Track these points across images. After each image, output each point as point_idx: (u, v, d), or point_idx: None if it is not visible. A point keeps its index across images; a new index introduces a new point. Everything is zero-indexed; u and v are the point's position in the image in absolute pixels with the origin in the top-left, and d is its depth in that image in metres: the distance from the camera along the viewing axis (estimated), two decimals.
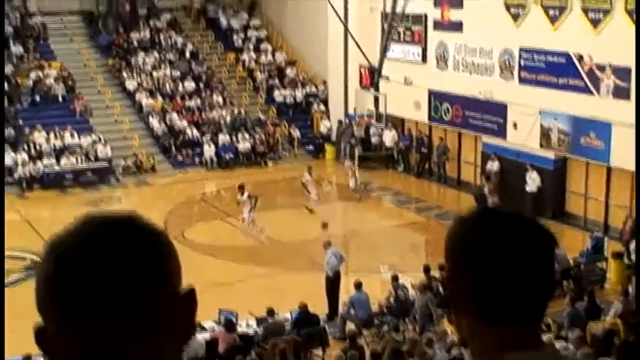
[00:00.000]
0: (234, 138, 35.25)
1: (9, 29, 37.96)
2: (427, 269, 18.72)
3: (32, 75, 36.34)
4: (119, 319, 1.42)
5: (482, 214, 1.83)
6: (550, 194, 26.64)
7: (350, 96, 35.57)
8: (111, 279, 1.42)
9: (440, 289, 17.69)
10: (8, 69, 36.09)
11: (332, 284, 19.09)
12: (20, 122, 34.07)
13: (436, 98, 31.39)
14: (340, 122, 36.05)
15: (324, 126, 36.76)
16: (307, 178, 27.69)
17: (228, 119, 36.19)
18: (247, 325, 17.33)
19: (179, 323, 1.50)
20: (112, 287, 1.42)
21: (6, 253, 23.61)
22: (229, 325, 16.27)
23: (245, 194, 25.22)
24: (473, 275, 1.71)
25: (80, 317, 1.42)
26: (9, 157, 31.71)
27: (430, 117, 31.90)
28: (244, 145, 35.02)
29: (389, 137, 33.78)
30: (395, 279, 18.94)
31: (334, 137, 36.27)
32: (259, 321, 17.27)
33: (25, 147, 32.53)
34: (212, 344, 15.72)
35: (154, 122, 35.54)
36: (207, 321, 17.09)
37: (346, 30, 33.75)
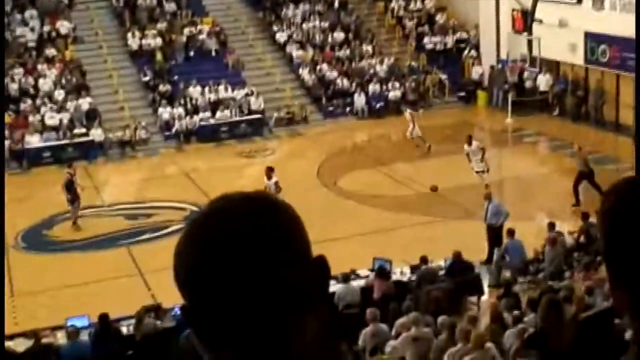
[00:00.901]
0: (384, 87, 35.10)
1: None
2: (552, 225, 18.25)
3: (186, 31, 37.21)
4: (253, 293, 1.47)
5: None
6: None
7: (502, 41, 34.71)
8: (243, 253, 1.48)
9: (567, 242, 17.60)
10: (162, 25, 37.12)
11: (495, 235, 18.76)
12: (176, 77, 35.03)
13: (592, 39, 30.14)
14: (492, 67, 35.24)
15: (475, 72, 36.04)
16: (469, 148, 24.49)
17: (378, 68, 36.02)
18: (401, 272, 17.30)
19: (312, 292, 1.53)
20: (244, 261, 1.47)
21: (167, 204, 24.59)
22: (383, 272, 16.30)
23: (273, 179, 21.52)
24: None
25: (215, 293, 1.48)
26: (166, 112, 32.77)
27: (586, 60, 30.70)
28: (394, 93, 34.83)
29: (543, 81, 32.80)
30: (551, 226, 18.43)
31: (485, 83, 35.53)
32: (413, 269, 17.22)
33: (182, 101, 33.48)
34: (366, 291, 15.83)
35: (305, 73, 35.81)
36: (362, 269, 17.19)
37: None
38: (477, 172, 23.85)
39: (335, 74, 35.77)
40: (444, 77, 35.90)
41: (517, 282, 16.76)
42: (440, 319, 13.02)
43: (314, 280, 1.54)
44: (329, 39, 37.76)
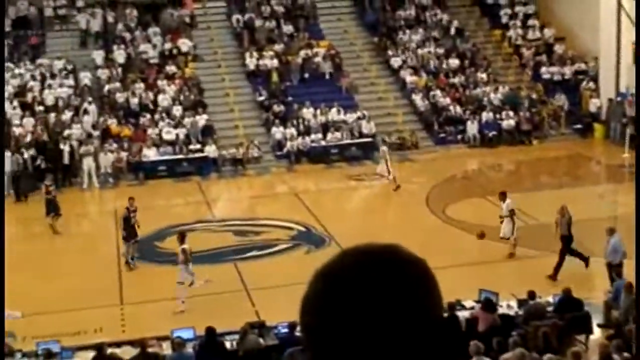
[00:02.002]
0: (498, 115, 34.68)
1: (279, 9, 39.60)
2: None
3: (302, 53, 37.67)
4: (384, 349, 1.49)
5: None
6: None
7: (622, 73, 33.82)
8: (376, 309, 1.50)
9: None
10: (280, 47, 37.67)
11: (613, 273, 18.23)
12: (290, 98, 35.48)
13: None
14: (610, 100, 34.40)
15: (593, 104, 35.23)
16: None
17: (492, 96, 35.64)
18: (507, 306, 16.97)
19: (440, 352, 1.54)
20: (377, 317, 1.50)
21: (276, 223, 24.82)
22: (489, 305, 16.02)
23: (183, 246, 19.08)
24: None
25: (344, 346, 1.51)
26: (279, 132, 33.18)
27: None
28: (508, 122, 34.37)
29: None
30: None
31: (603, 116, 34.68)
32: (520, 303, 16.86)
33: (294, 122, 33.86)
34: (471, 322, 15.59)
35: (417, 99, 35.72)
36: (467, 300, 16.94)
37: (619, 4, 32.04)
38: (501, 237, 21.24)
39: (448, 100, 35.57)
40: (561, 105, 35.21)
41: (628, 323, 16.21)
42: (547, 357, 12.70)
43: (442, 340, 1.55)
44: (444, 65, 37.60)
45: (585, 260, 19.65)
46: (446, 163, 31.92)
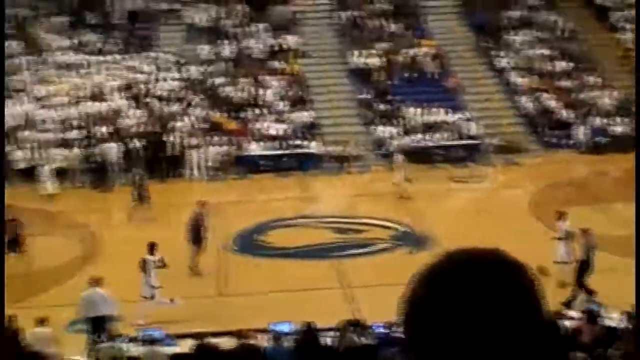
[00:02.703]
0: (610, 121, 33.72)
1: (386, 7, 39.45)
2: None
3: (407, 52, 37.43)
4: (488, 352, 1.49)
5: None
6: None
7: None
8: (481, 312, 1.50)
9: None
10: (385, 45, 37.53)
11: None
12: (394, 97, 35.31)
13: None
14: None
15: None
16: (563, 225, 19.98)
17: (604, 100, 34.69)
18: (615, 319, 16.44)
19: (544, 355, 1.54)
20: (481, 320, 1.50)
21: (376, 222, 24.74)
22: (592, 316, 15.58)
23: (154, 257, 18.12)
24: None
25: (449, 348, 1.50)
26: (381, 131, 33.05)
27: None
28: (621, 129, 33.34)
29: None
30: None
31: None
32: (629, 315, 16.31)
33: (397, 121, 33.68)
34: (575, 333, 15.19)
35: (525, 101, 35.07)
36: (572, 311, 16.52)
37: None
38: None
39: (556, 103, 34.78)
40: None
41: None
42: None
43: (545, 345, 1.54)
44: (553, 68, 36.79)
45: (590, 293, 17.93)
46: (552, 168, 31.21)
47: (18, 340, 15.27)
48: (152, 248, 17.97)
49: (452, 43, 38.80)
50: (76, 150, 31.25)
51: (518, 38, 38.36)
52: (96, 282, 16.29)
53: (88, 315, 16.00)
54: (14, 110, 33.03)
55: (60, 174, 30.28)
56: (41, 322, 15.44)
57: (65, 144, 31.51)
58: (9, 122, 32.64)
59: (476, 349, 1.49)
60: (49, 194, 27.09)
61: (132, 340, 15.28)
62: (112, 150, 31.10)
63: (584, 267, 18.22)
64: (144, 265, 17.65)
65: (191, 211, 21.17)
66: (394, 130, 33.21)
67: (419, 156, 32.28)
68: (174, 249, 20.13)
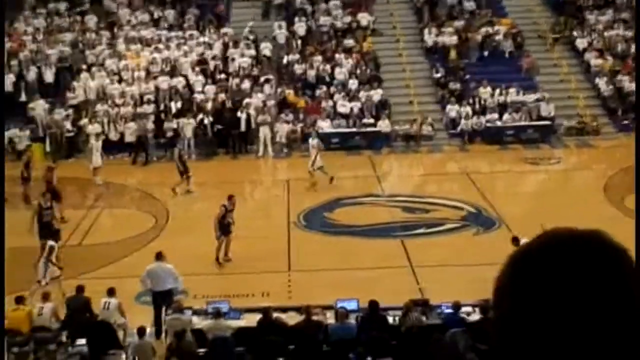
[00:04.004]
0: None
1: None
2: None
3: (482, 30, 36.93)
4: (583, 338, 1.41)
5: None
6: None
7: None
8: (580, 295, 1.41)
9: None
10: (460, 23, 37.08)
11: None
12: (468, 76, 34.90)
13: None
14: None
15: None
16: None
17: None
18: None
19: None
20: (579, 306, 1.41)
21: (445, 202, 24.53)
22: None
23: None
24: None
25: (544, 334, 1.43)
26: (454, 110, 32.73)
27: None
28: None
29: None
30: None
31: None
32: None
33: (470, 100, 33.30)
34: None
35: (601, 83, 34.30)
36: None
37: None
38: None
39: (634, 86, 33.91)
40: None
41: None
42: None
43: None
44: (632, 49, 35.85)
45: None
46: (628, 151, 30.38)
47: (89, 309, 15.59)
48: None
49: (529, 22, 38.12)
50: (150, 125, 31.67)
51: (597, 18, 37.48)
52: (161, 256, 16.50)
53: (153, 289, 16.24)
54: (89, 84, 33.62)
55: (132, 147, 30.78)
56: (110, 292, 15.72)
57: (139, 118, 31.95)
58: (81, 95, 33.30)
59: (571, 337, 1.41)
60: (95, 167, 27.40)
61: (198, 312, 15.46)
62: (186, 125, 31.43)
63: None
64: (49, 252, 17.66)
65: (220, 206, 20.04)
66: (466, 109, 32.81)
67: (491, 136, 31.92)
68: (243, 224, 20.31)
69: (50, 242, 18.29)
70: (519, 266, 1.49)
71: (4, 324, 14.36)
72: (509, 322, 1.47)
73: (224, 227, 19.55)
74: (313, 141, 26.89)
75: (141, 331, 14.30)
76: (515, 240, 16.56)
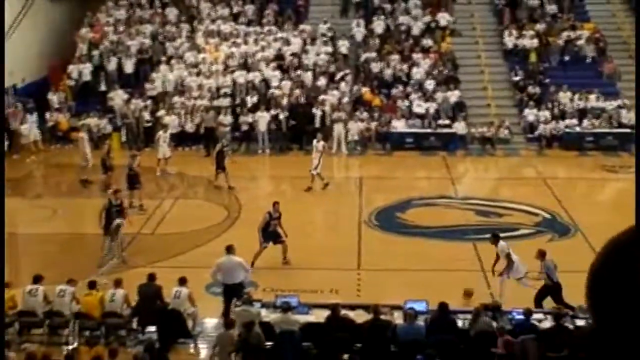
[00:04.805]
0: None
1: None
2: None
3: (564, 34, 36.26)
4: None
5: None
6: None
7: None
8: None
9: None
10: (541, 27, 36.47)
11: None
12: (547, 80, 34.31)
13: None
14: None
15: None
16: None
17: None
18: None
19: None
20: None
21: (520, 207, 24.15)
22: None
23: None
24: None
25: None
26: (532, 114, 32.21)
27: None
28: None
29: None
30: None
31: None
32: None
33: (549, 105, 32.74)
34: None
35: None
36: None
37: None
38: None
39: None
40: None
41: None
42: None
43: None
44: None
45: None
46: None
47: (160, 297, 15.74)
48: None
49: (613, 27, 37.31)
50: (229, 118, 31.91)
51: None
52: (231, 249, 16.58)
53: (224, 282, 16.34)
54: (167, 76, 34.04)
55: (205, 139, 31.07)
56: (181, 281, 15.85)
57: (216, 111, 32.24)
58: (159, 87, 33.73)
59: None
60: (163, 158, 27.70)
61: (267, 305, 15.48)
62: (261, 119, 31.59)
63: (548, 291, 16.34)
64: None
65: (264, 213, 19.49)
66: (545, 114, 32.27)
67: (569, 142, 31.33)
68: (315, 220, 20.31)
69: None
70: (618, 256, 1.45)
71: (4, 322, 14.45)
72: (603, 314, 1.42)
73: (268, 234, 18.98)
74: (318, 144, 26.43)
75: (229, 324, 14.31)
76: (541, 254, 16.28)
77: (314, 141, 26.72)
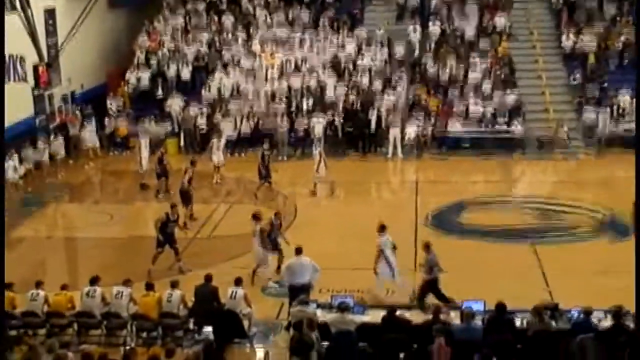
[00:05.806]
0: None
1: None
2: None
3: (623, 37, 35.62)
4: None
5: None
6: None
7: None
8: None
9: None
10: (600, 29, 35.87)
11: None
12: (606, 84, 33.77)
13: None
14: None
15: None
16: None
17: None
18: None
19: None
20: None
21: (579, 208, 23.81)
22: None
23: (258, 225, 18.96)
24: None
25: None
26: (591, 117, 31.71)
27: None
28: None
29: None
30: None
31: None
32: None
33: (608, 108, 32.20)
34: None
35: None
36: None
37: None
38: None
39: None
40: None
41: None
42: None
43: None
44: None
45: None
46: None
47: (216, 298, 15.82)
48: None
49: None
50: (285, 123, 31.99)
51: None
52: (300, 251, 16.67)
53: (291, 283, 16.41)
54: (223, 82, 34.29)
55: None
56: (237, 282, 15.92)
57: (272, 116, 32.40)
58: (215, 93, 34.00)
59: None
60: (217, 166, 27.80)
61: (322, 306, 15.43)
62: (317, 124, 31.61)
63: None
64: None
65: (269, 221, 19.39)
66: (604, 117, 31.74)
67: (628, 144, 30.74)
68: (371, 223, 20.20)
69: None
70: None
71: (4, 322, 14.51)
72: None
73: (271, 242, 18.96)
74: (318, 148, 26.49)
75: (310, 324, 14.18)
76: (426, 247, 16.67)
77: (313, 147, 27.15)
